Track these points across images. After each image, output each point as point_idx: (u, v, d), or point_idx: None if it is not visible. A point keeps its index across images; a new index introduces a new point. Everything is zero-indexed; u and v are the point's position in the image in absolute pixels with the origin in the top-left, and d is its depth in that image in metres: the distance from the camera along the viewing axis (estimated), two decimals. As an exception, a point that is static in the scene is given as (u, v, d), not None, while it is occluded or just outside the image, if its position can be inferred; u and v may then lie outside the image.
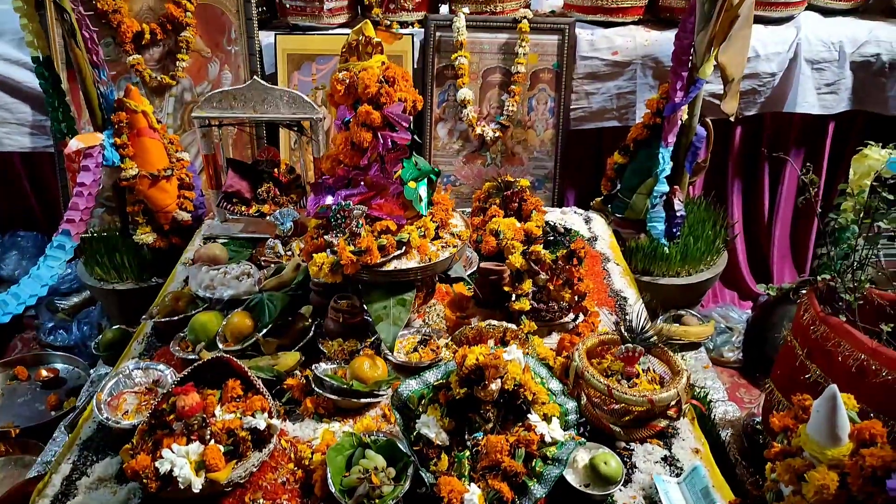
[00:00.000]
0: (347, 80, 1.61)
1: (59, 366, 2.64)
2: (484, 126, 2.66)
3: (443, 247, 1.73)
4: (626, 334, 1.59)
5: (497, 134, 2.67)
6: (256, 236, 2.28)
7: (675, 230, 2.50)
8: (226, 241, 2.28)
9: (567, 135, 2.68)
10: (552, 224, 2.35)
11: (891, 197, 1.71)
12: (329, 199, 1.69)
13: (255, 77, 2.17)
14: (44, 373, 2.54)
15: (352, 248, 1.60)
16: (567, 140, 2.68)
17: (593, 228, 2.42)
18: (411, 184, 1.69)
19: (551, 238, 2.30)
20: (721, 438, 2.14)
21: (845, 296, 1.69)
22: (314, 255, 1.64)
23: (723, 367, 2.72)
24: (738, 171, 2.84)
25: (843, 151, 2.80)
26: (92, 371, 2.48)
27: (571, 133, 2.70)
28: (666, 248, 2.49)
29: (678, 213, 2.47)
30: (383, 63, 1.64)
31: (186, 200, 2.46)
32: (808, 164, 1.78)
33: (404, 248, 1.66)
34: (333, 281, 1.63)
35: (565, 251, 1.82)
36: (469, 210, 2.40)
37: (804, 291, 1.85)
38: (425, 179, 1.74)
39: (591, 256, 2.22)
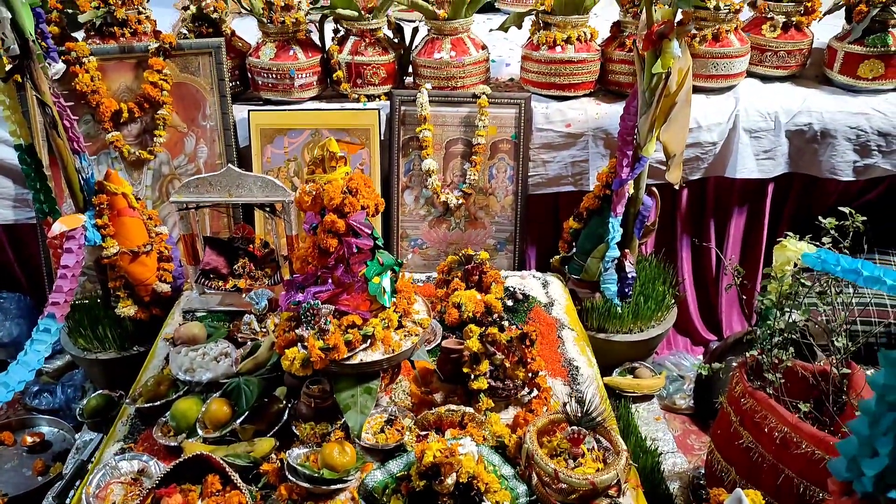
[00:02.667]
0: (314, 192, 1.76)
1: (44, 429, 2.75)
2: (448, 193, 2.83)
3: (405, 335, 1.88)
4: (571, 417, 1.76)
5: (460, 200, 2.84)
6: (234, 310, 2.42)
7: (626, 290, 2.68)
8: (204, 314, 2.42)
9: (526, 199, 2.85)
10: (512, 290, 2.52)
11: (809, 284, 1.90)
12: (300, 296, 1.84)
13: (229, 165, 2.31)
14: (29, 439, 2.65)
15: (321, 343, 1.75)
16: (526, 204, 2.86)
17: (550, 293, 2.59)
18: (375, 279, 1.85)
19: (511, 304, 2.48)
20: (669, 491, 2.33)
21: (768, 375, 1.87)
22: (286, 350, 1.79)
23: (675, 414, 2.90)
24: (686, 229, 3.03)
25: (783, 209, 3.01)
26: (77, 436, 2.59)
27: (530, 197, 2.88)
28: (619, 308, 2.67)
29: (629, 275, 2.66)
30: (347, 173, 1.79)
31: (166, 272, 2.59)
32: (732, 256, 1.95)
33: (369, 340, 1.81)
34: (304, 374, 1.78)
35: (519, 333, 1.99)
36: (434, 275, 2.57)
37: (735, 365, 2.03)
38: (388, 272, 1.90)
39: (547, 324, 2.39)
